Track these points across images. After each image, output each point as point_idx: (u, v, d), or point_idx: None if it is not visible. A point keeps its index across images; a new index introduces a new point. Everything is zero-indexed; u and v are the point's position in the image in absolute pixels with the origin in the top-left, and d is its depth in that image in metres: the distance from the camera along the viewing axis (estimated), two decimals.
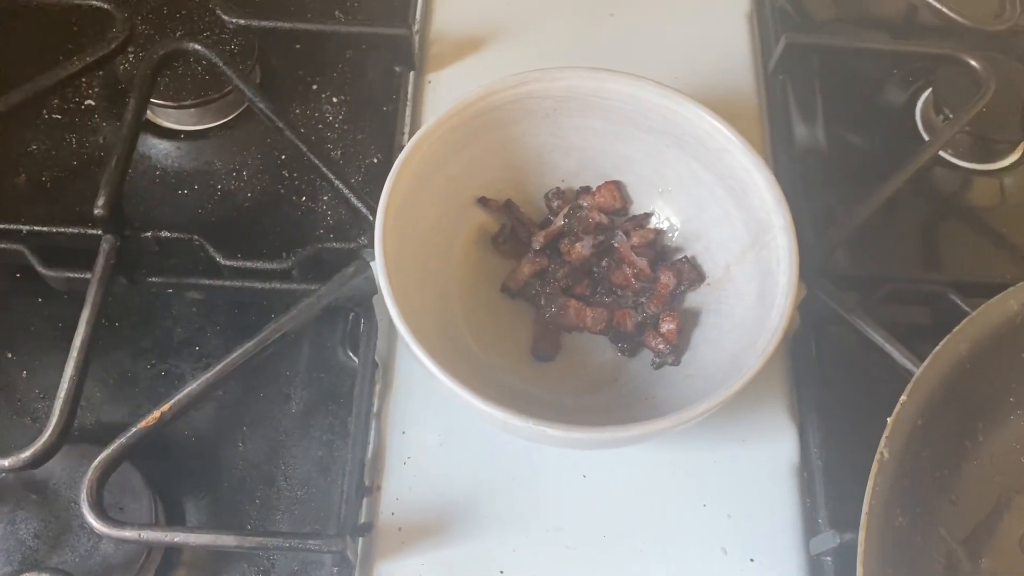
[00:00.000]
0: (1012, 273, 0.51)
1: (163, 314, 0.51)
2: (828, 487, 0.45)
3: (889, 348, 0.45)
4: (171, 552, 0.45)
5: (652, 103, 0.47)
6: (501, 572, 0.44)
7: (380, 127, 0.57)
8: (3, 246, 0.50)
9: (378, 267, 0.42)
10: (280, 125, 0.50)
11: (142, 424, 0.42)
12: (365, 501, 0.45)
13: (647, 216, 0.50)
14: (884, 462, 0.35)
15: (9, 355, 0.50)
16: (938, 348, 0.38)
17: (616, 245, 0.48)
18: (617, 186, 0.50)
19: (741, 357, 0.43)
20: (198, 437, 0.48)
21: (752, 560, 0.45)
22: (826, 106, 0.60)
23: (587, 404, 0.46)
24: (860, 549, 0.34)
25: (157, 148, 0.56)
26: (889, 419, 0.36)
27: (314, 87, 0.59)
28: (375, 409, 0.48)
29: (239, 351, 0.44)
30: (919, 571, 0.36)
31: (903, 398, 0.36)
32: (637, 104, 0.47)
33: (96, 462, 0.41)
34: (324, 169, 0.49)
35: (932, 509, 0.38)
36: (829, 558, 0.44)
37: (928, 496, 0.38)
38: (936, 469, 0.38)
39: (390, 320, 0.49)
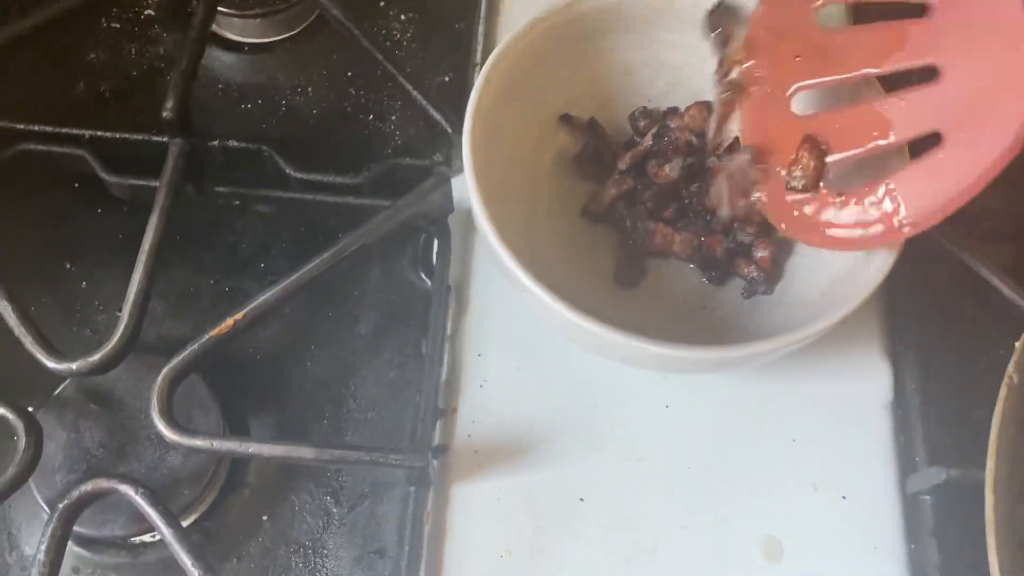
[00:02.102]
0: None
1: (228, 228, 0.49)
2: (925, 425, 0.43)
3: (996, 282, 0.43)
4: (236, 470, 0.43)
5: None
6: (581, 499, 0.42)
7: (452, 44, 0.54)
8: (65, 150, 0.48)
9: (467, 174, 0.40)
10: (356, 32, 0.48)
11: (214, 332, 0.40)
12: (440, 424, 0.44)
13: (737, 139, 0.48)
14: (1013, 387, 0.33)
15: (68, 266, 0.48)
16: None
17: (711, 166, 0.46)
18: (708, 106, 0.48)
19: (841, 285, 0.41)
20: (264, 355, 0.46)
21: (844, 497, 0.43)
22: None
23: (674, 332, 0.44)
24: (989, 477, 0.31)
25: (220, 60, 0.54)
26: (1018, 344, 0.34)
27: (381, 3, 0.57)
28: (449, 331, 0.46)
29: (315, 261, 0.42)
30: None
31: None
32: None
33: (166, 369, 0.40)
34: (400, 78, 0.47)
35: None
36: (928, 497, 0.42)
37: None
38: None
39: (463, 241, 0.48)
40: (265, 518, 0.43)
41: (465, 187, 0.40)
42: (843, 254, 0.42)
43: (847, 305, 0.37)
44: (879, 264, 0.39)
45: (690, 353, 0.37)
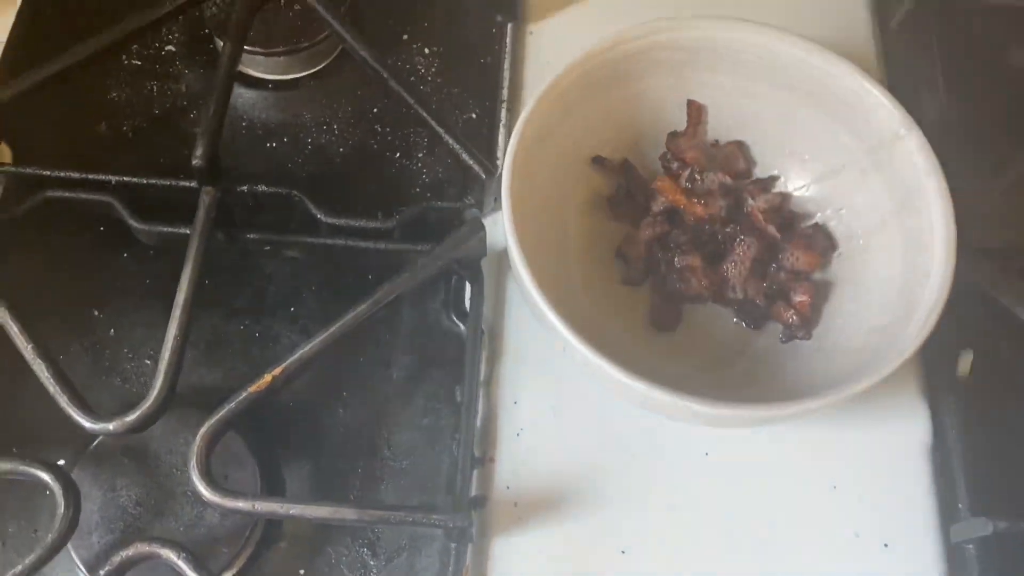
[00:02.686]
0: None
1: (257, 273, 0.49)
2: (967, 470, 0.43)
3: None
4: (273, 524, 0.43)
5: (792, 56, 0.44)
6: (623, 552, 0.42)
7: (478, 81, 0.54)
8: (92, 197, 0.47)
9: (506, 223, 0.39)
10: (384, 74, 0.47)
11: (252, 389, 0.40)
12: (476, 473, 0.43)
13: (773, 179, 0.47)
14: None
15: (96, 312, 0.48)
16: None
17: (747, 210, 0.45)
18: (740, 146, 0.47)
19: (889, 331, 0.40)
20: (297, 403, 0.46)
21: (886, 546, 0.42)
22: (947, 69, 0.56)
23: (713, 378, 0.44)
24: None
25: (244, 97, 0.53)
26: None
27: (405, 37, 0.56)
28: (483, 377, 0.45)
29: (351, 313, 0.41)
30: None
31: None
32: (774, 58, 0.44)
33: (204, 428, 0.39)
34: (432, 123, 0.46)
35: None
36: (971, 546, 0.41)
37: None
38: None
39: (495, 285, 0.47)
40: (302, 572, 0.42)
41: (497, 229, 0.40)
42: (885, 302, 0.42)
43: (896, 358, 0.37)
44: (924, 316, 0.38)
45: (737, 412, 0.37)
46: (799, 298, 0.44)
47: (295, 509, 0.38)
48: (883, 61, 0.55)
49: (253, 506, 0.38)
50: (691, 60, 0.45)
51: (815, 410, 0.37)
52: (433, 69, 0.55)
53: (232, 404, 0.39)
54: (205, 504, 0.39)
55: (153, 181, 0.47)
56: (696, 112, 0.47)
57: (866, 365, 0.39)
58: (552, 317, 0.37)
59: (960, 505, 0.42)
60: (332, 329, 0.41)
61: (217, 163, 0.45)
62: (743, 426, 0.43)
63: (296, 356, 0.40)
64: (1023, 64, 0.57)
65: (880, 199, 0.44)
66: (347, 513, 0.38)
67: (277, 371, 0.40)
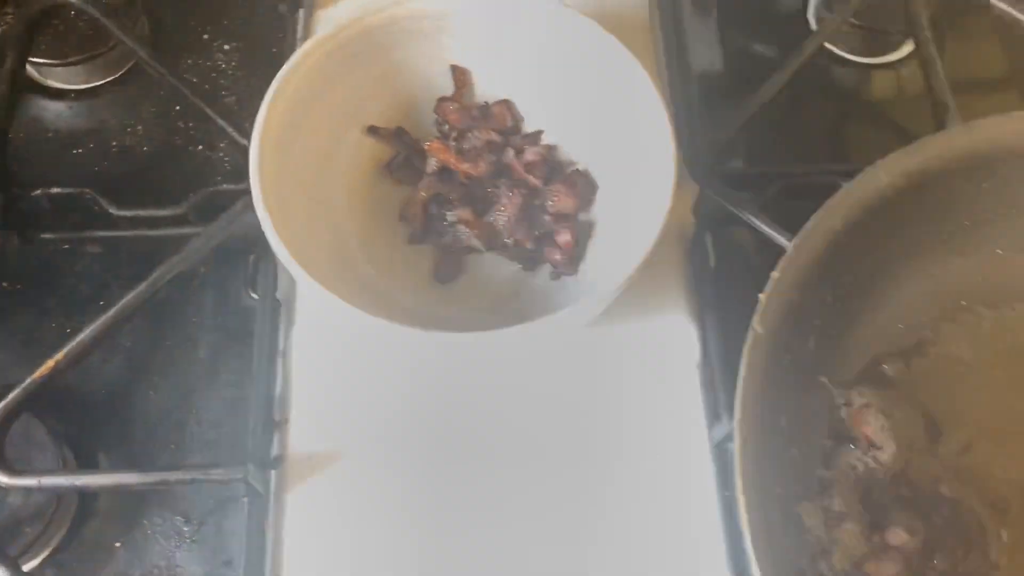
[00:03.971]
0: None
1: (63, 272, 0.51)
2: (726, 379, 0.46)
3: (779, 239, 0.46)
4: (86, 502, 0.45)
5: (534, 16, 0.47)
6: (405, 497, 0.44)
7: (273, 70, 0.56)
8: None
9: (255, 196, 0.42)
10: (162, 71, 0.50)
11: (36, 375, 0.42)
12: (276, 436, 0.46)
13: (539, 133, 0.50)
14: (758, 336, 0.36)
15: None
16: (810, 223, 0.38)
17: (509, 162, 0.48)
18: (507, 105, 0.50)
19: (632, 260, 0.43)
20: (108, 389, 0.48)
21: (661, 454, 0.45)
22: (721, 15, 0.60)
23: (489, 320, 0.46)
24: (737, 425, 0.34)
25: (48, 109, 0.56)
26: (761, 295, 0.37)
27: (205, 36, 0.59)
28: (281, 346, 0.48)
29: (131, 295, 0.44)
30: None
31: (775, 274, 0.37)
32: (518, 20, 0.47)
33: None
34: (210, 113, 0.49)
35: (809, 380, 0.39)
36: (731, 444, 0.44)
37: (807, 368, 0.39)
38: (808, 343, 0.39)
39: None
40: (118, 544, 0.45)
41: None
42: (631, 230, 0.45)
43: (618, 281, 0.40)
44: (652, 231, 0.41)
45: (476, 336, 0.39)
46: (563, 238, 0.47)
47: (80, 480, 0.40)
48: (656, 9, 0.58)
49: (39, 481, 0.40)
50: (443, 26, 0.48)
51: (563, 324, 0.40)
52: (233, 63, 0.58)
53: (18, 391, 0.42)
54: (3, 488, 0.42)
55: None
56: (461, 76, 0.50)
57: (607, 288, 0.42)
58: (293, 266, 0.40)
59: (720, 410, 0.45)
60: (111, 312, 0.43)
61: (3, 170, 0.47)
62: (488, 349, 0.45)
63: (76, 340, 0.43)
64: (789, 8, 0.60)
65: (623, 138, 0.46)
66: (129, 478, 0.40)
67: (59, 356, 0.42)
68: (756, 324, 0.36)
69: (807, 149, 0.56)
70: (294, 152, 0.45)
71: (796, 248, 0.37)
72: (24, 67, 0.51)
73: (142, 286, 0.44)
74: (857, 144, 0.58)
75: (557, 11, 0.47)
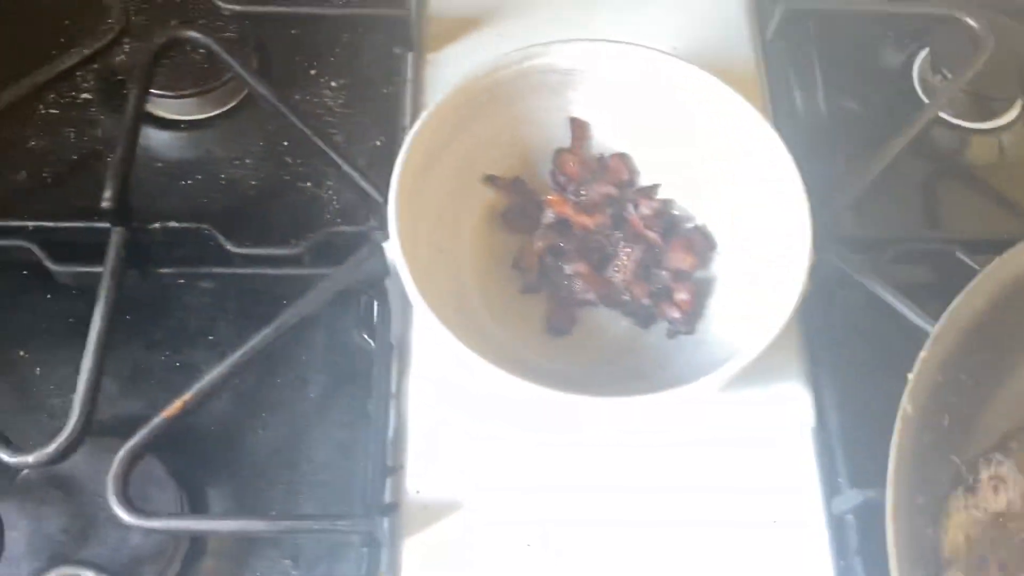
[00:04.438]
0: (1015, 229, 0.52)
1: (175, 305, 0.51)
2: (846, 447, 0.46)
3: (901, 307, 0.46)
4: (197, 541, 0.45)
5: (659, 73, 0.47)
6: (528, 545, 0.44)
7: (381, 110, 0.57)
8: (10, 243, 0.49)
9: (394, 247, 0.42)
10: (283, 110, 0.50)
11: (165, 414, 0.42)
12: (389, 481, 0.46)
13: (655, 187, 0.50)
14: (908, 417, 0.36)
15: (21, 353, 0.50)
16: (956, 303, 0.38)
17: (627, 217, 0.48)
18: (623, 158, 0.51)
19: (759, 320, 0.43)
20: (218, 426, 0.48)
21: (775, 522, 0.45)
22: (825, 73, 0.60)
23: (602, 375, 0.47)
24: (889, 505, 0.34)
25: (158, 139, 0.56)
26: (910, 375, 0.37)
27: (312, 72, 0.59)
28: (393, 390, 0.48)
29: (257, 337, 0.44)
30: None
31: (923, 354, 0.37)
32: (642, 75, 0.47)
33: (121, 453, 0.41)
34: (331, 153, 0.49)
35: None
36: (851, 516, 0.44)
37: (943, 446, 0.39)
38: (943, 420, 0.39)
39: (403, 301, 0.50)
40: None
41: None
42: (752, 294, 0.45)
43: (751, 352, 0.40)
44: (785, 304, 0.41)
45: (594, 401, 0.39)
46: (681, 296, 0.47)
47: (207, 525, 0.40)
48: (763, 68, 0.58)
49: (167, 524, 0.40)
50: (569, 82, 0.48)
51: (688, 396, 0.40)
52: (340, 101, 0.58)
53: (146, 430, 0.42)
54: (126, 527, 0.42)
55: (66, 224, 0.49)
56: (579, 129, 0.50)
57: (738, 352, 0.42)
58: (436, 324, 0.40)
59: (840, 480, 0.45)
60: (239, 353, 0.43)
61: (126, 204, 0.48)
62: (626, 417, 0.45)
63: (205, 381, 0.43)
64: (893, 65, 0.61)
65: (748, 199, 0.47)
66: (257, 525, 0.40)
67: (188, 396, 0.42)
68: (906, 403, 0.36)
69: (912, 213, 0.56)
70: (421, 200, 0.46)
71: (943, 328, 0.37)
72: (146, 99, 0.51)
73: (268, 329, 0.44)
74: (954, 209, 0.58)
75: (682, 69, 0.47)
